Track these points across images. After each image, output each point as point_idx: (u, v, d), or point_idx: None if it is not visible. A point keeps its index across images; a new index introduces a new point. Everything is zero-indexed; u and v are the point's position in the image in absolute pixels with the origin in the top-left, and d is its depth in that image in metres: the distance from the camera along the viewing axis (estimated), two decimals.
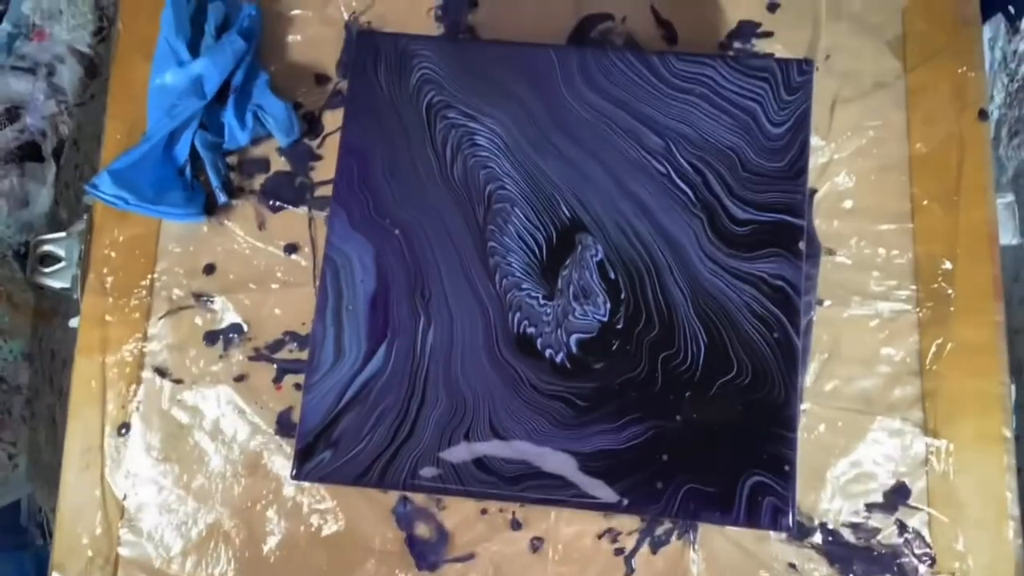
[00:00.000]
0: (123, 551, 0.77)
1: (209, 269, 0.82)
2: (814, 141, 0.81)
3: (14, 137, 0.83)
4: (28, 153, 0.85)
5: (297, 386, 0.79)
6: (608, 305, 0.71)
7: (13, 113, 0.83)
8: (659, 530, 0.76)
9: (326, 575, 0.76)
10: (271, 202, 0.83)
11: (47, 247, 0.84)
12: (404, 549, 0.76)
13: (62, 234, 0.84)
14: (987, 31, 0.90)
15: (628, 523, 0.76)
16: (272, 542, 0.77)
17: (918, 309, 0.78)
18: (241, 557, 0.77)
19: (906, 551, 0.75)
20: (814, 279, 0.79)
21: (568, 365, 0.70)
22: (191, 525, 0.77)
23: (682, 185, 0.73)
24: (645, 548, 0.75)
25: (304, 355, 0.79)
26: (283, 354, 0.80)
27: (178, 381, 0.80)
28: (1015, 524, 0.74)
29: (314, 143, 0.84)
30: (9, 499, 0.81)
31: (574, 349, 0.71)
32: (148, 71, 0.82)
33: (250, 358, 0.80)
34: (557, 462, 0.69)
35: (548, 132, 0.74)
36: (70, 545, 0.78)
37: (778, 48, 0.84)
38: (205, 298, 0.81)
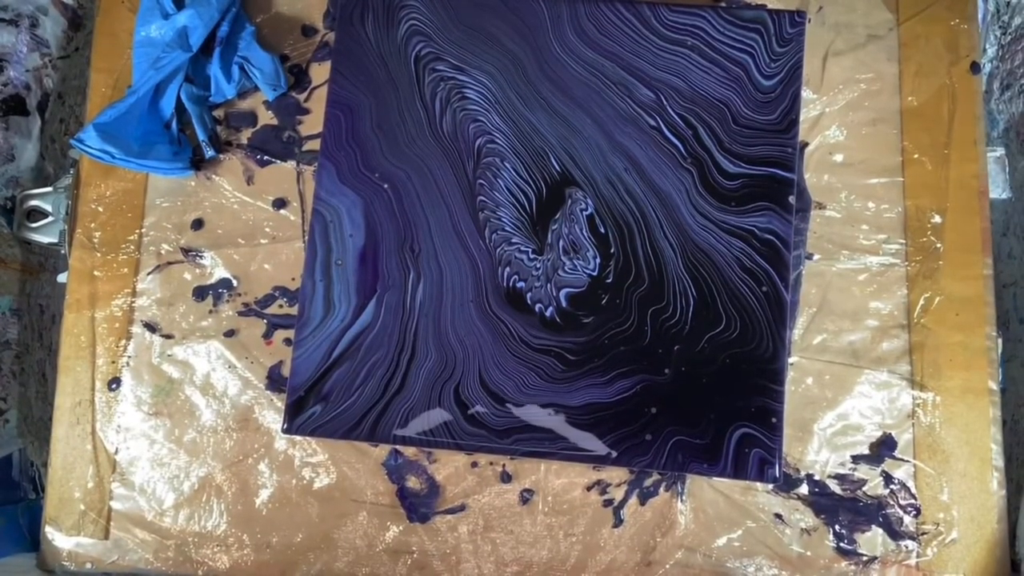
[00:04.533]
0: (115, 504, 0.78)
1: (197, 224, 0.81)
2: (805, 94, 0.80)
3: None
4: (12, 107, 0.84)
5: (287, 341, 0.79)
6: (598, 259, 0.71)
7: None
8: (647, 482, 0.76)
9: (318, 527, 0.77)
10: (258, 156, 0.82)
11: (33, 202, 0.83)
12: (395, 501, 0.77)
13: (48, 189, 0.84)
14: None
15: (617, 475, 0.76)
16: (264, 495, 0.77)
17: (907, 263, 0.79)
18: (233, 510, 0.77)
19: (892, 502, 0.76)
20: (804, 233, 0.79)
21: (558, 319, 0.70)
22: (183, 479, 0.78)
23: (672, 139, 0.72)
24: (634, 499, 0.76)
25: (294, 310, 0.79)
26: (273, 309, 0.80)
27: (168, 336, 0.80)
28: (999, 475, 0.75)
29: (301, 96, 0.83)
30: (0, 454, 0.82)
31: (564, 303, 0.71)
32: (133, 23, 0.81)
33: (240, 313, 0.80)
34: (547, 415, 0.69)
35: (538, 85, 0.74)
36: (62, 499, 0.78)
37: None
38: (194, 253, 0.81)
